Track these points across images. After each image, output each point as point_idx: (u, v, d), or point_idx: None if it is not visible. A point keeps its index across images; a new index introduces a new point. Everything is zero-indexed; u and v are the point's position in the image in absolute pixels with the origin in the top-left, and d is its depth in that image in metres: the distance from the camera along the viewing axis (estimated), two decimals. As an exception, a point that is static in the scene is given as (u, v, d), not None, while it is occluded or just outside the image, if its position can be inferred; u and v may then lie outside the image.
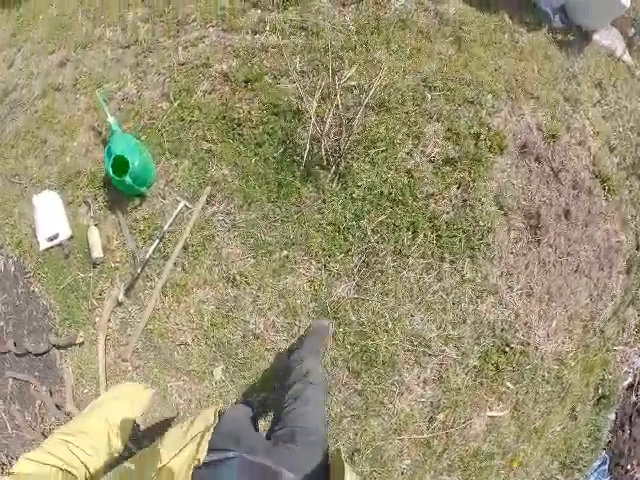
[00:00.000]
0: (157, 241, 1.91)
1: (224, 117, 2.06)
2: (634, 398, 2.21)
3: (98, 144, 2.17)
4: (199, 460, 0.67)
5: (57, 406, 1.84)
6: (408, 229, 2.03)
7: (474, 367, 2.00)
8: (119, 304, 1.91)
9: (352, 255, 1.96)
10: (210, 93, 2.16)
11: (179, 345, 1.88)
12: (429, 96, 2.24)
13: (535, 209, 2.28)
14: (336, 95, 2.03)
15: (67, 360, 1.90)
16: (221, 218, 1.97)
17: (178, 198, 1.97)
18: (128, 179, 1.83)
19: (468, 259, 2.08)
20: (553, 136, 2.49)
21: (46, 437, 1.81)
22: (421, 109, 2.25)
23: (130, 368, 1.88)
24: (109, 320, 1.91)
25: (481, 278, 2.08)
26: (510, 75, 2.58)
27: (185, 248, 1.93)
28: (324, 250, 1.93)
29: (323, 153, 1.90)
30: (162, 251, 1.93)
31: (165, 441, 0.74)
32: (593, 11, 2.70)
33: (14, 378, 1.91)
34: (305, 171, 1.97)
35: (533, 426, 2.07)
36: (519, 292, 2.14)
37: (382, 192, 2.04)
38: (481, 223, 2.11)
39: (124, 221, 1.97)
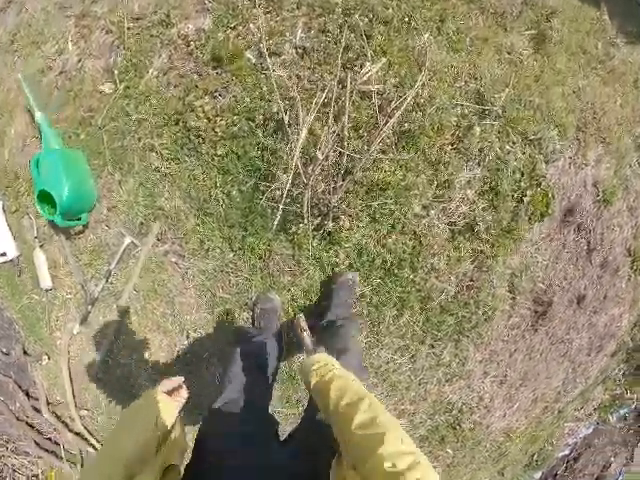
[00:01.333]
0: (104, 280, 1.22)
1: (178, 122, 1.10)
2: (562, 468, 1.80)
3: (36, 136, 1.26)
4: None
5: (34, 408, 1.44)
6: (394, 306, 1.28)
7: (420, 436, 1.52)
8: (76, 334, 1.34)
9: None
10: (165, 74, 1.12)
11: (138, 382, 1.37)
12: (478, 130, 1.18)
13: (549, 296, 1.45)
14: (345, 106, 1.03)
15: (37, 370, 1.44)
16: (174, 260, 1.22)
17: (123, 232, 1.18)
18: (58, 219, 1.05)
19: (452, 343, 1.39)
20: (606, 201, 1.48)
21: (32, 427, 1.44)
22: (462, 144, 1.21)
23: (95, 387, 1.42)
24: (69, 345, 1.37)
25: (458, 363, 1.41)
26: (589, 103, 1.38)
27: (136, 290, 1.25)
28: (289, 318, 1.25)
29: (306, 203, 1.03)
30: (112, 289, 1.25)
31: None
32: None
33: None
34: (281, 219, 1.12)
35: None
36: (493, 379, 1.51)
37: (374, 259, 1.22)
38: (481, 310, 1.34)
39: (69, 250, 1.23)
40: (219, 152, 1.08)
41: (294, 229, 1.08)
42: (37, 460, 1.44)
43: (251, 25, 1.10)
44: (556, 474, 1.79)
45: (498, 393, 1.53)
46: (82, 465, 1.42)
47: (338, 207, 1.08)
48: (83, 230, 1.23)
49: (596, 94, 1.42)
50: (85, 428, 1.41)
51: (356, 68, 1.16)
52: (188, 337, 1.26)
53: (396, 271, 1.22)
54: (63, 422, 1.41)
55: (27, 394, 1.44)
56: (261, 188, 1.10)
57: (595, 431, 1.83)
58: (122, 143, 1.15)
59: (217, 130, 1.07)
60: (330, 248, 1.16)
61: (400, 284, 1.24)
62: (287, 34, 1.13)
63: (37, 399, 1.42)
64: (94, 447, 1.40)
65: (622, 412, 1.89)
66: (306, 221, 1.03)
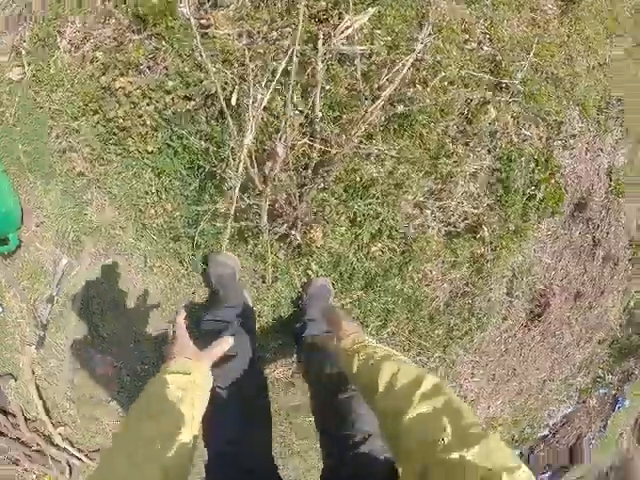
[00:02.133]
0: (50, 306, 0.96)
1: (96, 111, 0.74)
2: (542, 446, 1.73)
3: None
4: None
5: (13, 425, 1.25)
6: (378, 317, 1.04)
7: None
8: (36, 356, 1.11)
9: (292, 346, 1.05)
10: (79, 47, 0.74)
11: (106, 391, 1.18)
12: (493, 111, 0.82)
13: (548, 297, 1.21)
14: (315, 76, 0.69)
15: (9, 390, 1.23)
16: (122, 275, 0.94)
17: (58, 252, 0.88)
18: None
19: (440, 349, 1.18)
20: (618, 192, 1.17)
21: (17, 441, 1.25)
22: (470, 127, 0.86)
23: (67, 405, 1.22)
24: (32, 365, 1.14)
25: (446, 367, 1.23)
26: (613, 79, 1.03)
27: (85, 308, 0.98)
28: (257, 335, 1.01)
29: (264, 215, 0.72)
30: (60, 312, 0.98)
31: None
32: None
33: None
34: (236, 227, 0.83)
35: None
36: (480, 377, 1.34)
37: (354, 269, 0.95)
38: (474, 318, 1.10)
39: (10, 273, 0.95)
40: (150, 148, 0.74)
41: (253, 242, 0.79)
42: (30, 468, 1.31)
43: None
44: (532, 448, 1.72)
45: (485, 389, 1.37)
46: (70, 474, 1.29)
47: (308, 213, 0.78)
48: (16, 250, 0.93)
49: (623, 70, 1.04)
50: (67, 439, 1.25)
51: (333, 20, 0.77)
52: (146, 349, 1.03)
53: (381, 282, 0.95)
54: (45, 436, 1.25)
55: (4, 412, 1.25)
56: (210, 190, 0.79)
57: (574, 411, 1.72)
58: (39, 144, 0.80)
59: (145, 118, 0.72)
60: (300, 260, 0.88)
61: (385, 294, 0.99)
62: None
63: (15, 416, 1.24)
64: (78, 458, 1.25)
65: (601, 392, 1.78)
66: (266, 236, 0.73)
